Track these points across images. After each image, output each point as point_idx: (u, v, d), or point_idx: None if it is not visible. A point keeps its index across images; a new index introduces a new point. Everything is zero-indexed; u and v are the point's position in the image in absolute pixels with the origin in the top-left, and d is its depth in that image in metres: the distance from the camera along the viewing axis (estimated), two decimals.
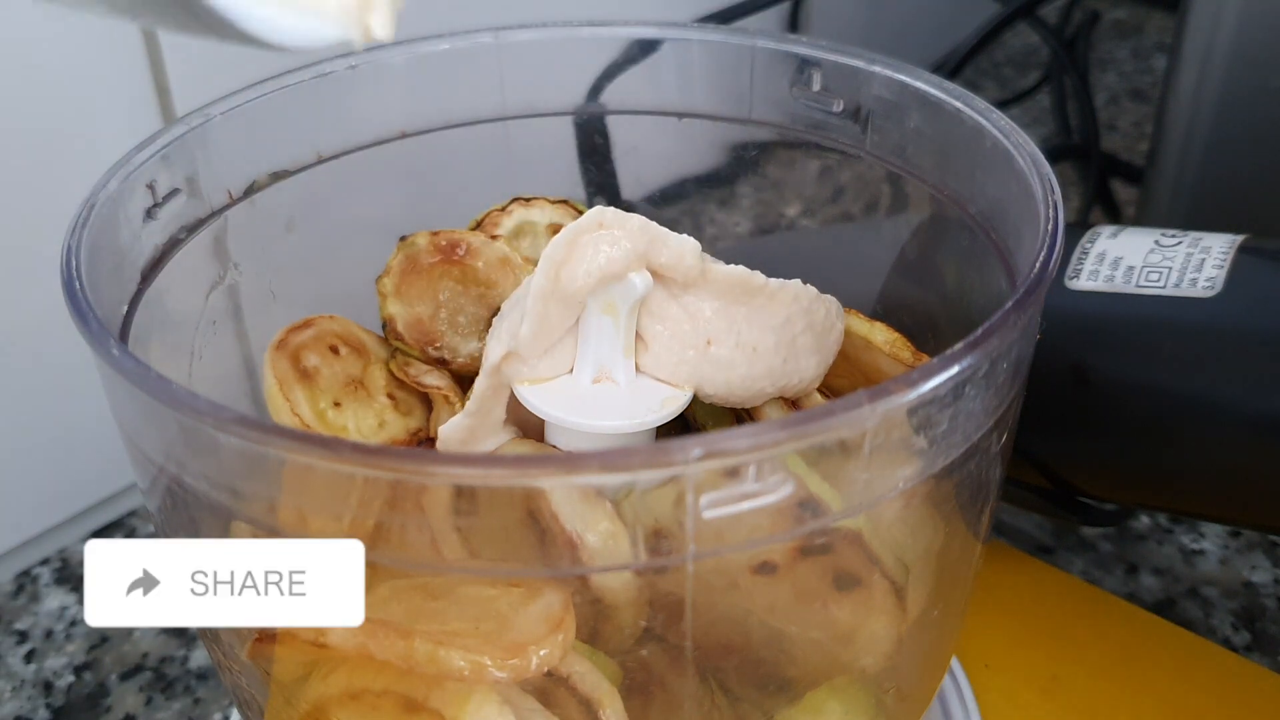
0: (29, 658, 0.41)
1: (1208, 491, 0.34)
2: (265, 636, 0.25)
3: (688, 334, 0.27)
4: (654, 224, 0.27)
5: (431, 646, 0.22)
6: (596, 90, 0.36)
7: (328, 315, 0.33)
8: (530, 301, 0.27)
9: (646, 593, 0.25)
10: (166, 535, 0.27)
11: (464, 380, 0.33)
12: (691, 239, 0.27)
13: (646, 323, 0.27)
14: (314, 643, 0.23)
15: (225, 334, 0.33)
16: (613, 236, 0.26)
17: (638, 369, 0.28)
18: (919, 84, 0.31)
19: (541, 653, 0.23)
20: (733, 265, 0.27)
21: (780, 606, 0.26)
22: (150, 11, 0.20)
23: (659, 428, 0.27)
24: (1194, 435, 0.33)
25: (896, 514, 0.26)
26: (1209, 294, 0.32)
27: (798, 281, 0.28)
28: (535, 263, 0.33)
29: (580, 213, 0.35)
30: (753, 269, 0.29)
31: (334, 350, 0.32)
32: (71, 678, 0.40)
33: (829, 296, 0.29)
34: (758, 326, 0.27)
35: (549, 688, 0.24)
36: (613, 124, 0.37)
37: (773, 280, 0.27)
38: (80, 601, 0.43)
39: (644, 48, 0.35)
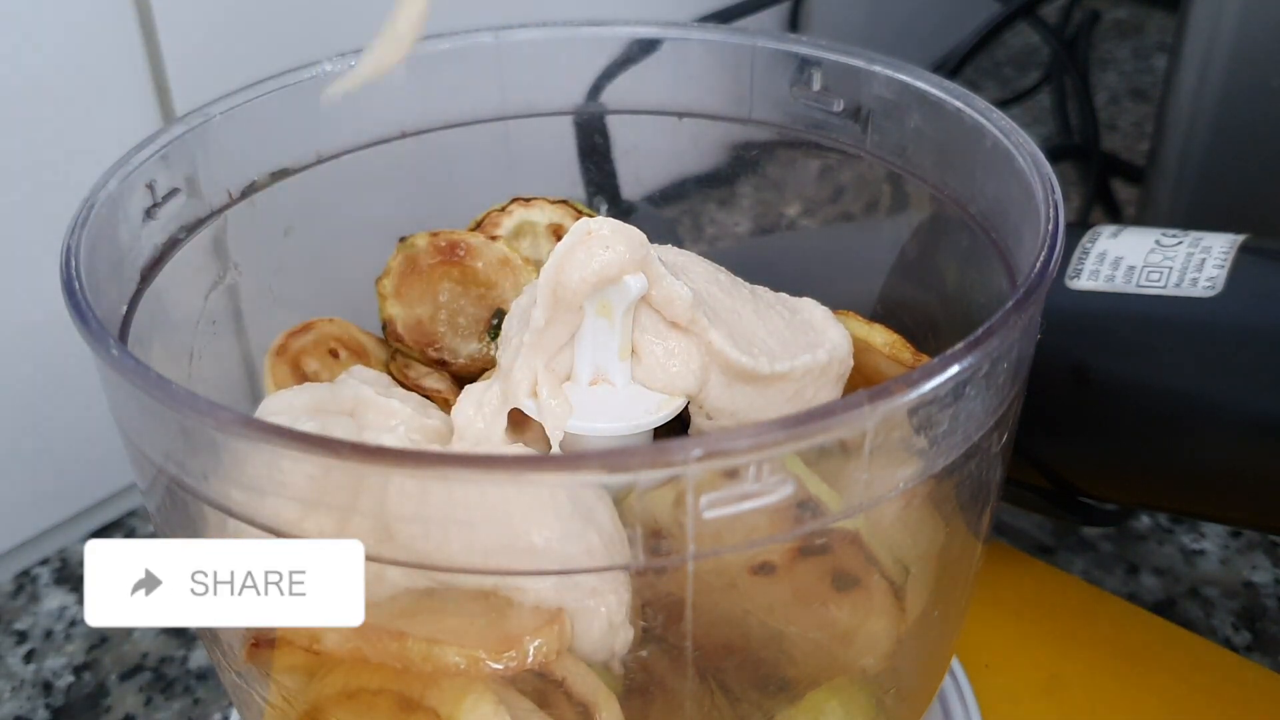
0: (28, 658, 0.41)
1: (1208, 491, 0.34)
2: (262, 641, 0.25)
3: (688, 358, 0.27)
4: (657, 258, 0.27)
5: (426, 645, 0.22)
6: (596, 90, 0.36)
7: (327, 318, 0.33)
8: (534, 311, 0.27)
9: (636, 600, 0.25)
10: (166, 535, 0.27)
11: (463, 382, 0.33)
12: (686, 289, 0.27)
13: (641, 338, 0.27)
14: (309, 648, 0.23)
15: (225, 334, 0.33)
16: (607, 240, 0.26)
17: (632, 378, 0.28)
18: (919, 84, 0.31)
19: (536, 644, 0.23)
20: (742, 354, 0.27)
21: (779, 607, 0.26)
22: None
23: (657, 428, 0.27)
24: (1194, 435, 0.33)
25: (896, 514, 0.26)
26: (1210, 294, 0.32)
27: (809, 355, 0.28)
28: (535, 263, 0.33)
29: (580, 213, 0.35)
30: (753, 269, 0.29)
31: (334, 354, 0.32)
32: (71, 678, 0.40)
33: (838, 332, 0.29)
34: (762, 405, 0.27)
35: (545, 690, 0.24)
36: (613, 124, 0.37)
37: (780, 363, 0.27)
38: (80, 601, 0.42)
39: (644, 47, 0.35)
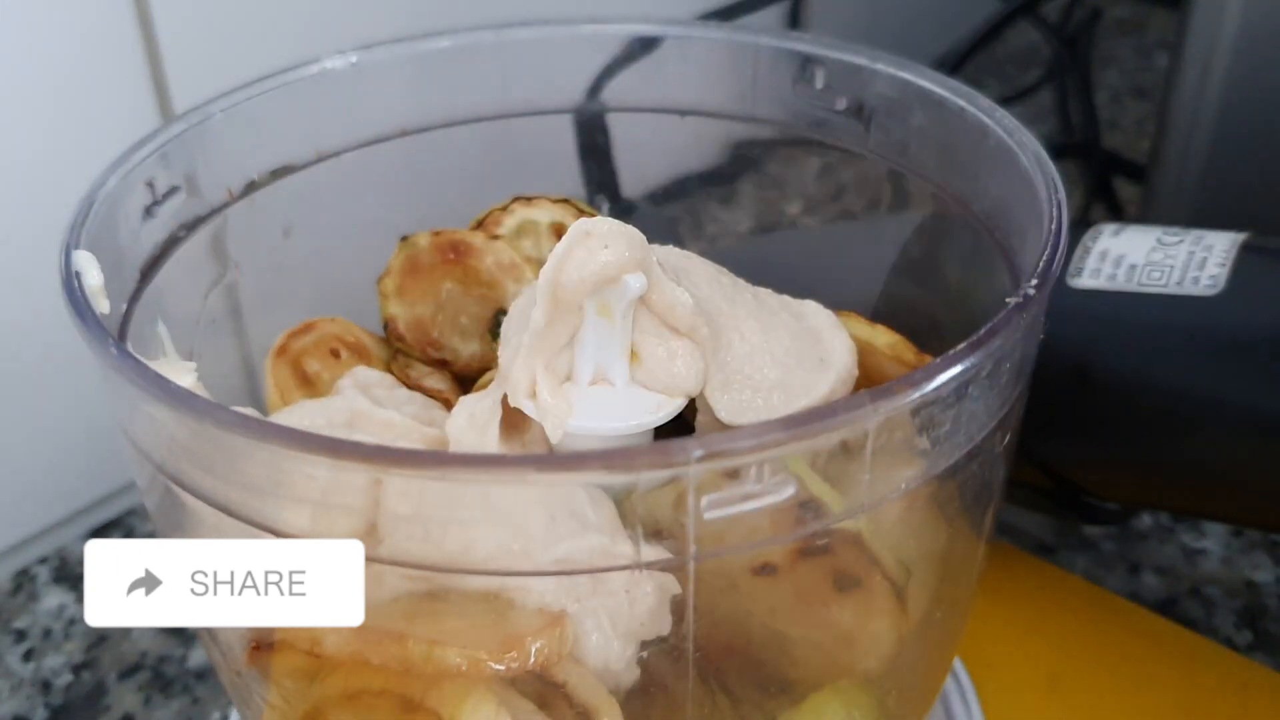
0: (27, 657, 0.41)
1: (1209, 490, 0.34)
2: (262, 645, 0.25)
3: (690, 359, 0.27)
4: (656, 262, 0.26)
5: (427, 646, 0.22)
6: (597, 88, 0.36)
7: (328, 318, 0.33)
8: (534, 311, 0.26)
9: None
10: (166, 535, 0.27)
11: (465, 382, 0.33)
12: (688, 295, 0.27)
13: (642, 338, 0.27)
14: (309, 652, 0.23)
15: (225, 333, 0.33)
16: (605, 240, 0.26)
17: (631, 379, 0.27)
18: (922, 82, 0.31)
19: (538, 645, 0.23)
20: (724, 411, 0.27)
21: (781, 608, 0.26)
22: None
23: (657, 428, 0.27)
24: (1196, 434, 0.33)
25: (899, 515, 0.26)
26: (1211, 292, 0.32)
27: (806, 399, 0.27)
28: (537, 262, 0.33)
29: (582, 212, 0.35)
30: (755, 270, 0.29)
31: (335, 354, 0.32)
32: (70, 677, 0.40)
33: (843, 346, 0.29)
34: None
35: (546, 694, 0.24)
36: (615, 121, 0.37)
37: (775, 409, 0.27)
38: (79, 600, 0.42)
39: (645, 45, 0.35)
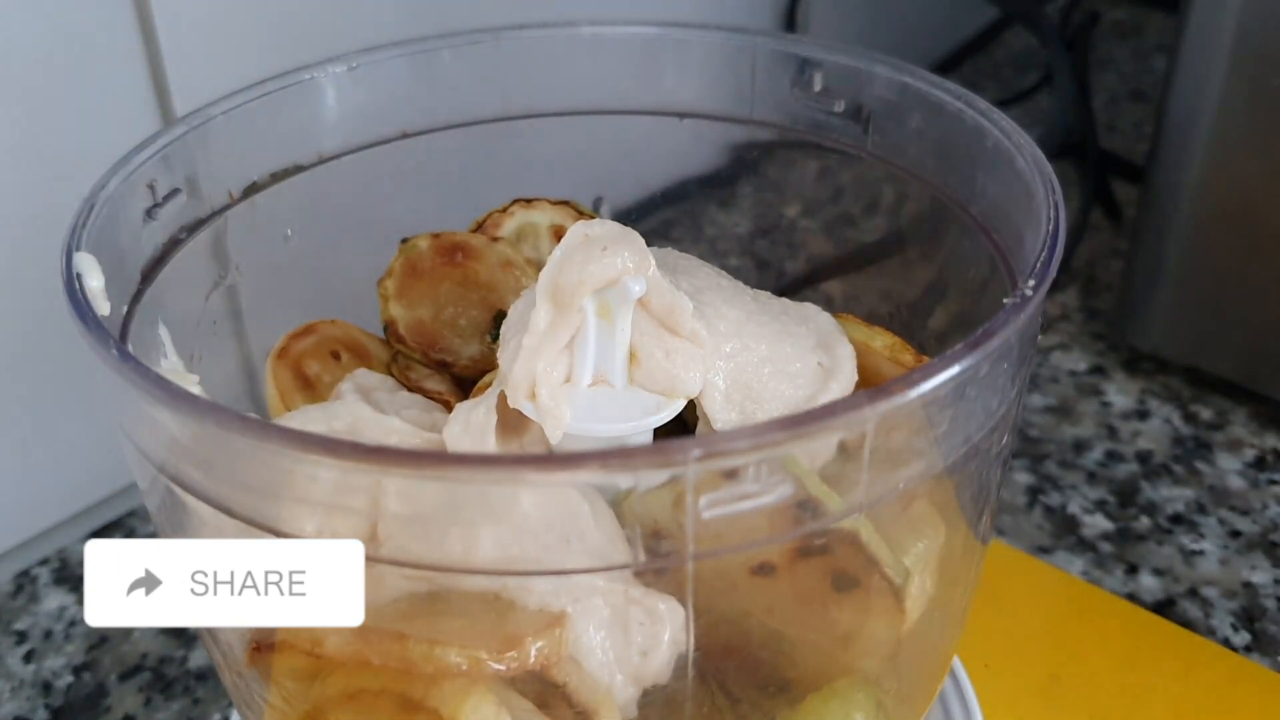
0: (28, 658, 0.41)
1: None
2: (263, 645, 0.25)
3: (690, 360, 0.27)
4: (655, 265, 0.27)
5: (427, 646, 0.22)
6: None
7: (329, 320, 0.33)
8: (534, 313, 0.26)
9: None
10: (166, 535, 0.27)
11: (465, 384, 0.33)
12: (687, 300, 0.27)
13: (641, 340, 0.27)
14: (310, 652, 0.23)
15: (225, 335, 0.33)
16: (604, 243, 0.26)
17: (630, 380, 0.28)
18: (920, 84, 0.31)
19: (538, 645, 0.23)
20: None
21: (779, 608, 0.26)
22: None
23: (656, 429, 0.27)
24: None
25: (896, 515, 0.26)
26: None
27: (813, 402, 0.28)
28: (537, 265, 0.33)
29: (581, 214, 0.35)
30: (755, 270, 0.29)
31: (335, 356, 0.32)
32: (70, 678, 0.40)
33: (846, 351, 0.29)
34: None
35: (546, 694, 0.24)
36: (614, 123, 0.37)
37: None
38: (79, 602, 0.42)
39: (645, 47, 0.35)
